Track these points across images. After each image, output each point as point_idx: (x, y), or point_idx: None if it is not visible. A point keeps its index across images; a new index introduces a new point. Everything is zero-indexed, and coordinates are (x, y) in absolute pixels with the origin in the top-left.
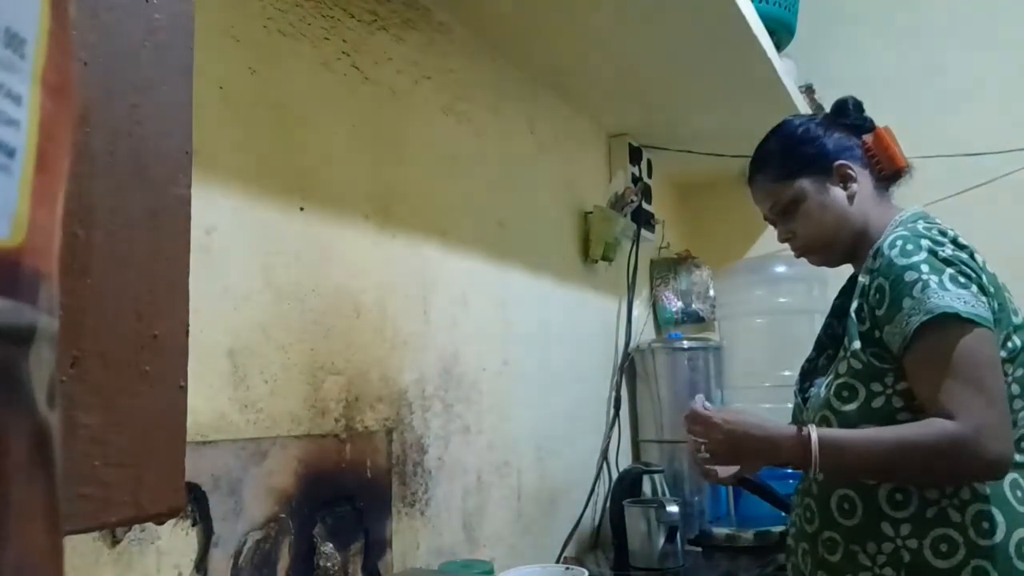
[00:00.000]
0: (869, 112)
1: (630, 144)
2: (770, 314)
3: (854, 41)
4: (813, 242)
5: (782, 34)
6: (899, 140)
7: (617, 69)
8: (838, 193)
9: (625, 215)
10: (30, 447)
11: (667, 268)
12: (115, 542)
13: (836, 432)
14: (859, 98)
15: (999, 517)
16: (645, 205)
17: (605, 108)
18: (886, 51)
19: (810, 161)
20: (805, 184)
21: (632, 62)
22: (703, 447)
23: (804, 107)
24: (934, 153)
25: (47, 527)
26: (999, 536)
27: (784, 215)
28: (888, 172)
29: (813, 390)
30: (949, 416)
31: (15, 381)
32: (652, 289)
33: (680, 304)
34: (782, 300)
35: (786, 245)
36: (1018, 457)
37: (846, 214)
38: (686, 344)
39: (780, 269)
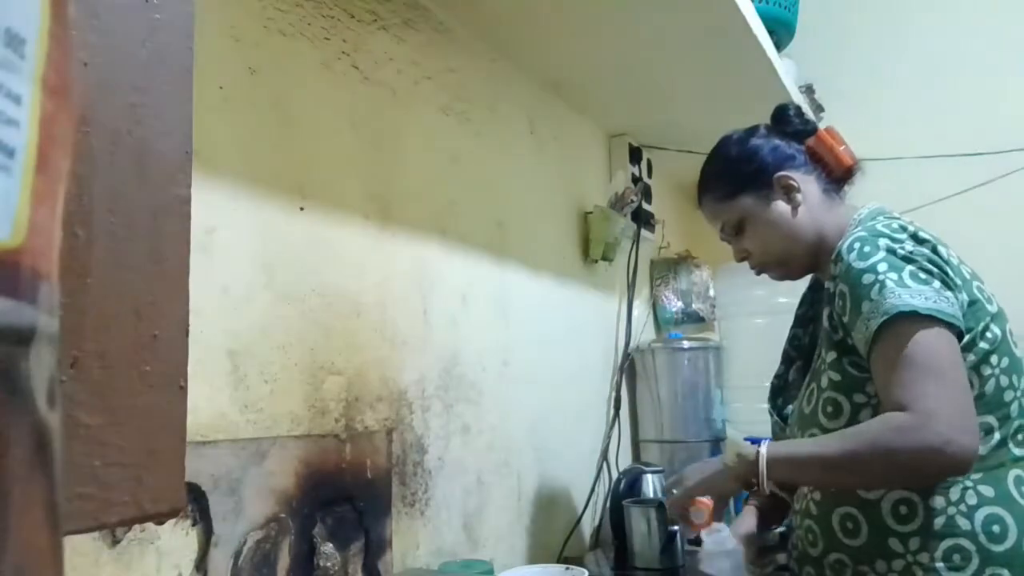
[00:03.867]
0: (870, 111)
1: (630, 144)
2: (770, 314)
3: (854, 41)
4: (767, 258)
5: (782, 34)
6: (898, 140)
7: (617, 69)
8: (782, 207)
9: (625, 215)
10: (30, 447)
11: (667, 268)
12: (115, 542)
13: (785, 448)
14: (859, 97)
15: (1009, 519)
16: (645, 205)
17: (605, 108)
18: (886, 51)
19: (749, 178)
20: (747, 202)
21: (632, 62)
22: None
23: (804, 107)
24: (934, 153)
25: (47, 527)
26: (1011, 540)
27: (735, 235)
28: (837, 173)
29: (790, 407)
30: (901, 408)
31: (15, 381)
32: (652, 289)
33: (680, 304)
34: (782, 300)
35: None
36: (1017, 451)
37: (794, 227)
38: (686, 344)
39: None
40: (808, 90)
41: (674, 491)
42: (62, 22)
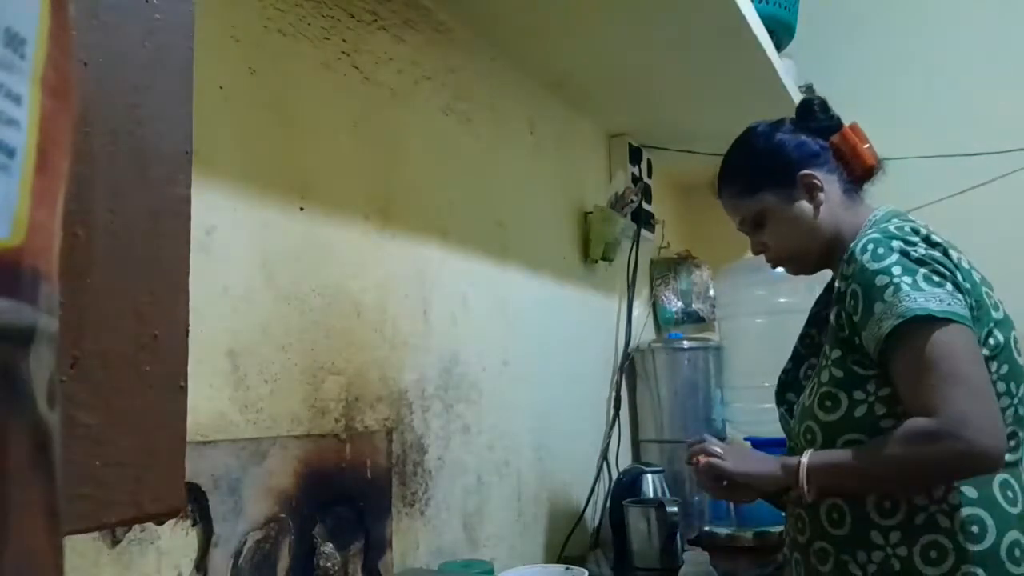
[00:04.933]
0: (870, 112)
1: (630, 144)
2: (770, 314)
3: (854, 41)
4: (784, 253)
5: (782, 34)
6: (898, 140)
7: (617, 69)
8: (804, 206)
9: (625, 215)
10: (30, 447)
11: (667, 268)
12: (115, 542)
13: (824, 457)
14: (859, 97)
15: (988, 520)
16: (645, 205)
17: (605, 108)
18: (886, 51)
19: (772, 174)
20: (769, 198)
21: (632, 62)
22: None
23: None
24: (934, 153)
25: (47, 527)
26: (989, 540)
27: (753, 229)
28: (859, 172)
29: (798, 402)
30: (928, 413)
31: (15, 381)
32: (652, 289)
33: (680, 304)
34: (782, 300)
35: None
36: (1008, 456)
37: (814, 226)
38: (686, 344)
39: (780, 269)
40: (808, 90)
41: (715, 450)
42: (62, 22)
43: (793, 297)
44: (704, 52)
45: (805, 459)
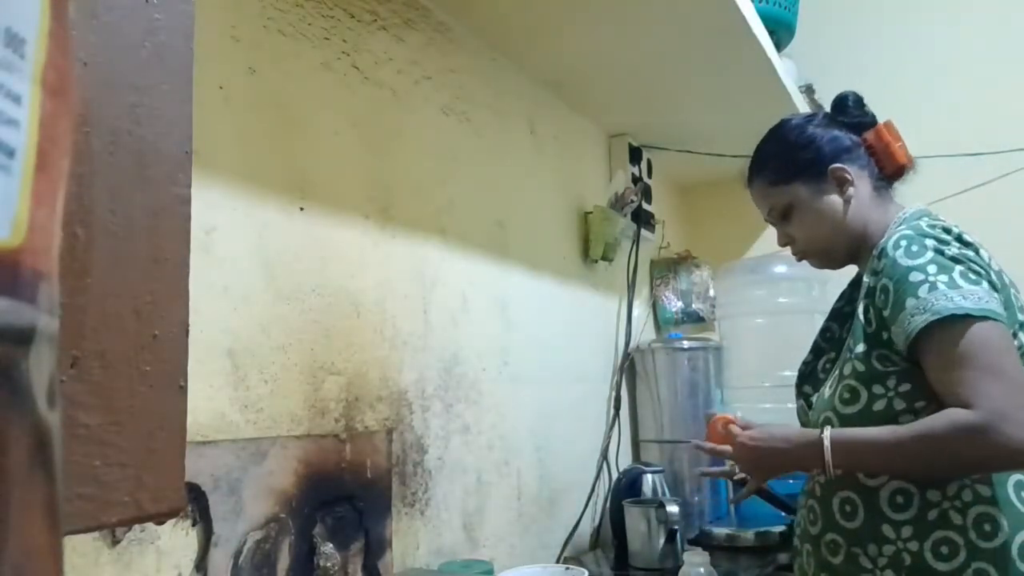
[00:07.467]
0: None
1: (630, 144)
2: (770, 314)
3: (854, 41)
4: (811, 247)
5: (782, 34)
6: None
7: (617, 69)
8: (834, 200)
9: (625, 215)
10: (30, 447)
11: (667, 268)
12: (115, 542)
13: (849, 433)
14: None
15: (1001, 520)
16: (645, 205)
17: (605, 108)
18: (886, 51)
19: (805, 166)
20: (800, 190)
21: (632, 62)
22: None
23: (804, 107)
24: (934, 153)
25: (47, 527)
26: (1001, 538)
27: (781, 220)
28: (890, 170)
29: (817, 394)
30: (965, 406)
31: (15, 381)
32: (652, 289)
33: (680, 304)
34: (782, 300)
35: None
36: None
37: (843, 220)
38: (686, 344)
39: (780, 269)
40: (808, 90)
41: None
42: (62, 22)
43: (793, 297)
44: (704, 52)
45: (827, 439)
